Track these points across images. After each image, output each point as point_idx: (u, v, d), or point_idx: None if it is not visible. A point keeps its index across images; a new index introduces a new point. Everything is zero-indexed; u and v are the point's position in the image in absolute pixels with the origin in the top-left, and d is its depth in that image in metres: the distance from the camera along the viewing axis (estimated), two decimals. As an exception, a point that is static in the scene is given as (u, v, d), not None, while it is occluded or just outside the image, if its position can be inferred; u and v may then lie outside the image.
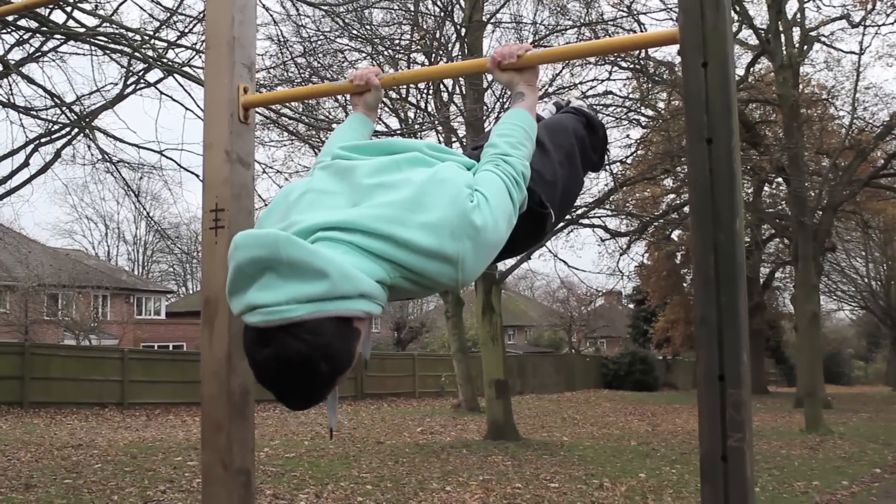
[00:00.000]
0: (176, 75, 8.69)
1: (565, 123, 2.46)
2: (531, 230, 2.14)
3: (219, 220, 2.15)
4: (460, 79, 16.53)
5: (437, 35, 16.83)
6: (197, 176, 9.25)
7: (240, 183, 2.20)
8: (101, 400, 22.40)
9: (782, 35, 22.57)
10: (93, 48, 9.27)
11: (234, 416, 2.17)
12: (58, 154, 13.09)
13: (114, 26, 8.74)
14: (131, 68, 10.70)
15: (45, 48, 11.27)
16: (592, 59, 20.72)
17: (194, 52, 8.94)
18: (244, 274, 1.63)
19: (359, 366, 1.73)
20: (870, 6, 22.06)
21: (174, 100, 9.44)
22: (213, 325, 2.17)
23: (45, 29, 9.27)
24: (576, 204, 20.22)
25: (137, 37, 8.54)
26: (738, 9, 23.01)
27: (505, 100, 16.48)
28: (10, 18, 8.28)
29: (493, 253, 1.84)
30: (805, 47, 24.14)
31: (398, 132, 15.77)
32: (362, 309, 1.62)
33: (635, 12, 22.84)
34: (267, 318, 1.56)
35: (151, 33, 9.05)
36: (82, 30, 8.72)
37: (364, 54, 14.51)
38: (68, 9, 9.48)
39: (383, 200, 1.75)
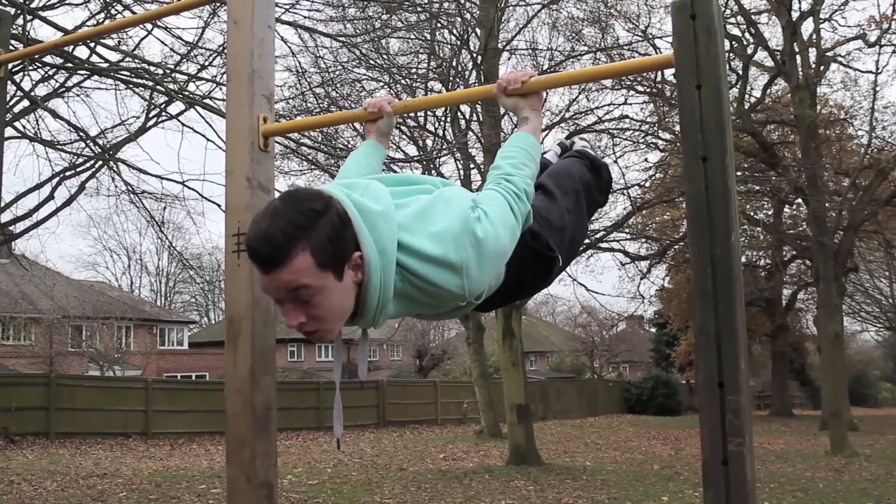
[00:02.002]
0: (197, 107, 8.87)
1: (571, 169, 2.55)
2: (540, 273, 2.28)
3: (241, 244, 2.25)
4: (477, 106, 16.70)
5: (454, 63, 17.03)
6: (219, 206, 9.40)
7: (261, 207, 2.30)
8: (126, 430, 22.55)
9: (798, 56, 22.61)
10: (116, 82, 9.48)
11: (258, 431, 2.26)
12: (82, 187, 13.31)
13: (136, 61, 8.94)
14: (153, 101, 10.91)
15: (69, 83, 11.52)
16: (608, 84, 20.87)
17: (215, 85, 9.13)
18: None
19: None
20: (885, 26, 22.07)
21: (196, 131, 9.61)
22: (237, 343, 2.26)
23: (69, 65, 9.48)
24: (595, 228, 20.34)
25: (159, 70, 8.73)
26: (752, 31, 23.13)
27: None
28: (36, 55, 8.50)
29: (498, 263, 1.97)
30: (822, 67, 24.13)
31: (416, 159, 15.93)
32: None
33: (650, 36, 23.01)
34: None
35: (172, 67, 9.24)
36: (105, 65, 8.92)
37: (381, 83, 14.69)
38: (91, 44, 9.72)
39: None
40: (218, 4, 9.08)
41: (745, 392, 1.65)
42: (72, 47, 10.02)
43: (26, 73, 9.90)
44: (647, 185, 23.46)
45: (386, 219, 1.81)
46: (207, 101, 8.62)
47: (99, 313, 33.18)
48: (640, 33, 22.43)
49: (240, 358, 2.26)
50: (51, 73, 11.06)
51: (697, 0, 1.79)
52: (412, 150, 18.62)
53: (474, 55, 16.41)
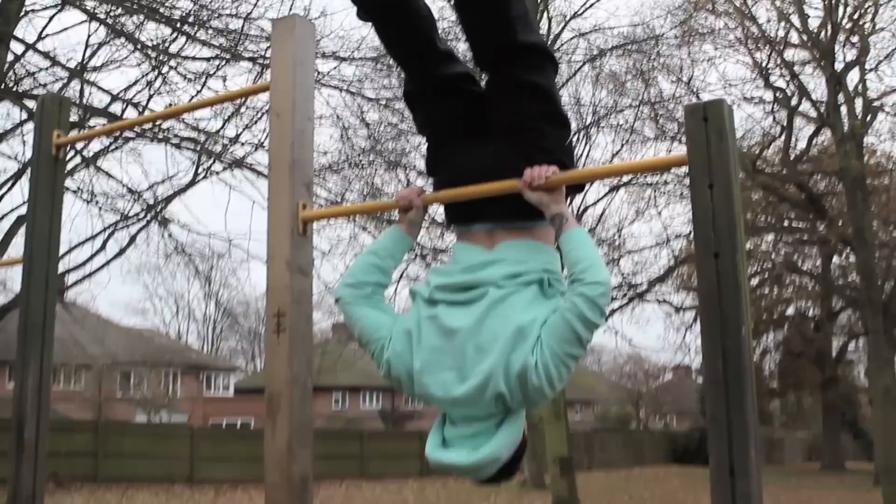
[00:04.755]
0: (242, 168, 9.16)
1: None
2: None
3: (281, 324, 2.39)
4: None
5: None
6: (264, 262, 9.62)
7: (299, 290, 2.45)
8: (171, 476, 22.76)
9: (844, 107, 22.51)
10: (165, 144, 9.83)
11: (295, 501, 2.37)
12: (132, 240, 13.69)
13: (182, 124, 9.28)
14: (202, 163, 11.28)
15: (119, 141, 11.94)
16: (651, 134, 20.96)
17: (256, 146, 9.40)
18: None
19: None
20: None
21: (241, 192, 9.91)
22: (276, 418, 2.39)
23: (126, 134, 9.86)
24: (639, 281, 20.30)
25: (202, 136, 9.05)
26: (796, 82, 23.10)
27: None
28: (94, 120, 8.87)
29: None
30: (868, 118, 23.95)
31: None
32: None
33: (694, 89, 23.09)
34: None
35: (211, 132, 9.56)
36: (154, 128, 9.27)
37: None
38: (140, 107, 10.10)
39: (484, 368, 2.14)
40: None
41: (754, 477, 1.73)
42: (123, 106, 10.40)
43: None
44: (692, 237, 23.39)
45: None
46: (250, 160, 8.89)
47: (147, 360, 33.70)
48: (683, 84, 22.57)
49: (278, 432, 2.38)
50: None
51: (710, 104, 1.90)
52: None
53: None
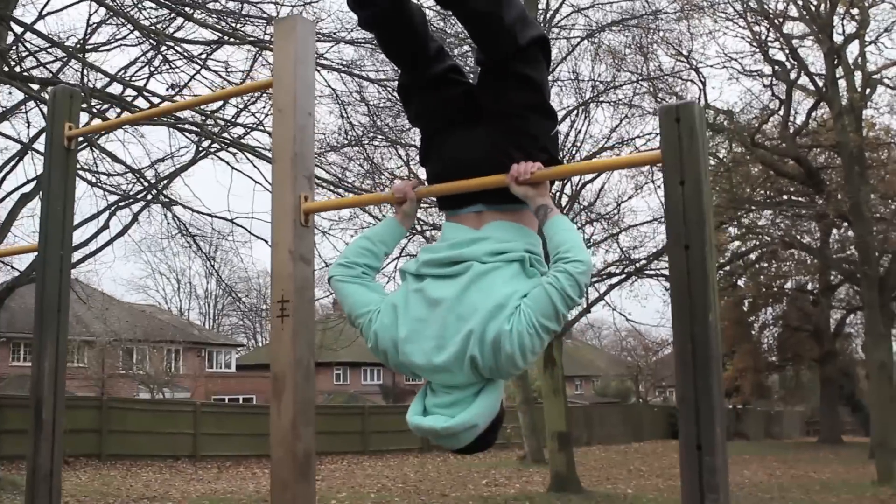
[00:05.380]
0: (242, 149, 9.29)
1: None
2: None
3: (284, 309, 2.55)
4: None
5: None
6: (266, 241, 9.76)
7: (301, 277, 2.61)
8: (175, 452, 23.03)
9: (843, 80, 22.54)
10: (168, 127, 9.95)
11: (298, 476, 2.54)
12: (135, 218, 13.83)
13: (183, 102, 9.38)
14: (201, 144, 11.39)
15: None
16: (649, 109, 21.01)
17: (254, 126, 9.50)
18: None
19: None
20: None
21: (243, 174, 10.00)
22: (281, 398, 2.55)
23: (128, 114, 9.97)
24: (637, 256, 20.42)
25: (201, 117, 9.16)
26: (795, 56, 23.12)
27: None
28: (95, 101, 8.99)
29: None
30: (867, 91, 23.98)
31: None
32: None
33: (694, 63, 23.11)
34: None
35: (210, 112, 9.68)
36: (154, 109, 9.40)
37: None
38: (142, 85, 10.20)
39: (462, 335, 2.28)
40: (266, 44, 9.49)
41: (720, 453, 1.89)
42: (122, 89, 10.49)
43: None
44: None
45: None
46: (247, 141, 9.02)
47: (150, 337, 33.93)
48: (682, 58, 22.59)
49: (283, 410, 2.54)
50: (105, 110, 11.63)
51: (682, 106, 2.05)
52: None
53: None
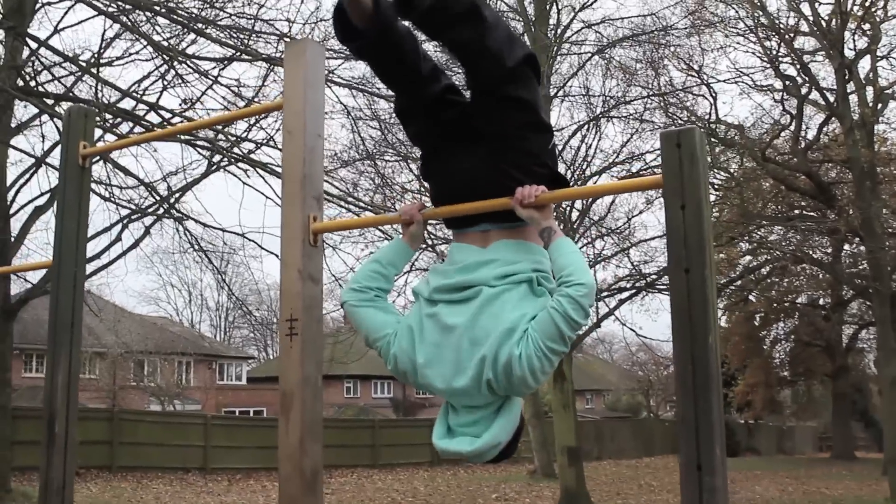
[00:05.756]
0: (252, 164, 9.38)
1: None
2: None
3: (293, 328, 2.60)
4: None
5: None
6: (277, 256, 9.82)
7: (310, 296, 2.66)
8: (185, 465, 23.08)
9: (855, 95, 22.51)
10: (182, 143, 10.05)
11: (306, 492, 2.58)
12: (147, 232, 13.92)
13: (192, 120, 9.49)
14: (212, 158, 11.49)
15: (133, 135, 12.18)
16: (659, 123, 21.02)
17: (265, 142, 9.58)
18: None
19: None
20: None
21: (255, 189, 10.06)
22: (289, 415, 2.60)
23: (140, 129, 10.09)
24: (648, 271, 20.41)
25: (216, 133, 9.26)
26: (806, 71, 23.10)
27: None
28: (108, 116, 9.09)
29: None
30: (879, 106, 23.93)
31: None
32: None
33: (705, 78, 23.11)
34: None
35: (221, 127, 9.78)
36: (162, 122, 9.51)
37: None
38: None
39: (476, 360, 2.34)
40: (276, 65, 9.58)
41: (719, 473, 1.92)
42: (134, 104, 10.60)
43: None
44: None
45: None
46: (256, 156, 9.11)
47: (161, 349, 34.03)
48: (693, 73, 22.60)
49: (291, 428, 2.58)
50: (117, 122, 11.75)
51: (683, 131, 2.09)
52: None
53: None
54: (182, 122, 9.83)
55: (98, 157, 11.09)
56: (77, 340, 3.36)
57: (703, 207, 2.03)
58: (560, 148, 18.52)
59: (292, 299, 2.63)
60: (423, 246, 14.44)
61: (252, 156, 9.49)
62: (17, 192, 14.57)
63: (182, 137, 9.21)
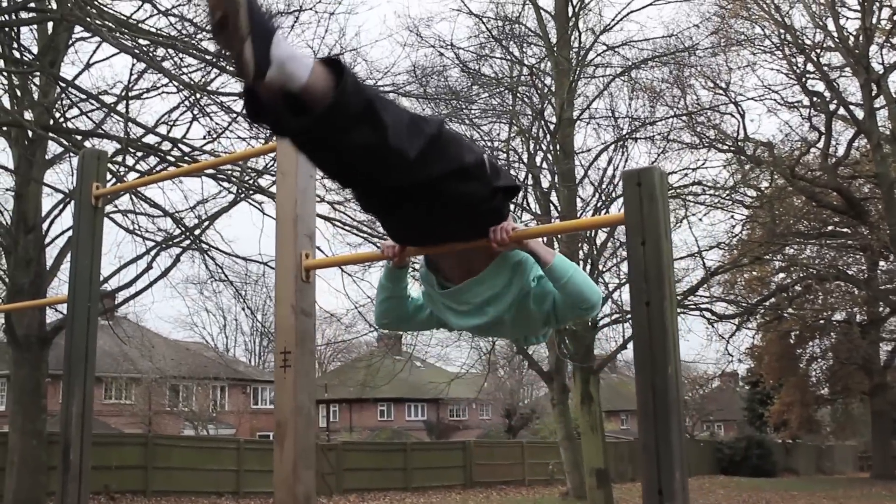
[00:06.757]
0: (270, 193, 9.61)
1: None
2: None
3: (286, 360, 2.72)
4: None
5: (532, 132, 17.49)
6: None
7: (303, 330, 2.79)
8: (218, 489, 23.25)
9: (885, 110, 22.39)
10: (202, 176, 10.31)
11: (300, 517, 2.69)
12: (176, 261, 14.18)
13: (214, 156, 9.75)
14: (232, 190, 11.77)
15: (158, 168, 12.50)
16: (688, 141, 20.98)
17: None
18: None
19: None
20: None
21: (273, 217, 10.26)
22: (283, 444, 2.72)
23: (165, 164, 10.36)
24: (680, 290, 20.30)
25: (235, 167, 9.50)
26: (833, 87, 23.00)
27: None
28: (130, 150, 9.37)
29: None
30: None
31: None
32: None
33: (733, 95, 23.00)
34: None
35: (242, 163, 10.02)
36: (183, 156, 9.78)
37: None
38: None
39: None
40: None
41: (679, 498, 2.00)
42: (160, 141, 10.90)
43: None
44: (731, 243, 23.25)
45: None
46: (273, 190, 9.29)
47: (195, 374, 34.37)
48: (720, 91, 22.56)
49: (285, 455, 2.71)
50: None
51: (643, 171, 2.19)
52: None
53: (547, 125, 16.86)
54: (202, 156, 10.09)
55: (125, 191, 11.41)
56: (91, 372, 3.51)
57: (662, 243, 2.13)
58: (586, 169, 18.53)
59: (286, 333, 2.77)
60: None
61: (271, 190, 9.74)
62: (52, 223, 14.92)
63: (207, 172, 9.49)
